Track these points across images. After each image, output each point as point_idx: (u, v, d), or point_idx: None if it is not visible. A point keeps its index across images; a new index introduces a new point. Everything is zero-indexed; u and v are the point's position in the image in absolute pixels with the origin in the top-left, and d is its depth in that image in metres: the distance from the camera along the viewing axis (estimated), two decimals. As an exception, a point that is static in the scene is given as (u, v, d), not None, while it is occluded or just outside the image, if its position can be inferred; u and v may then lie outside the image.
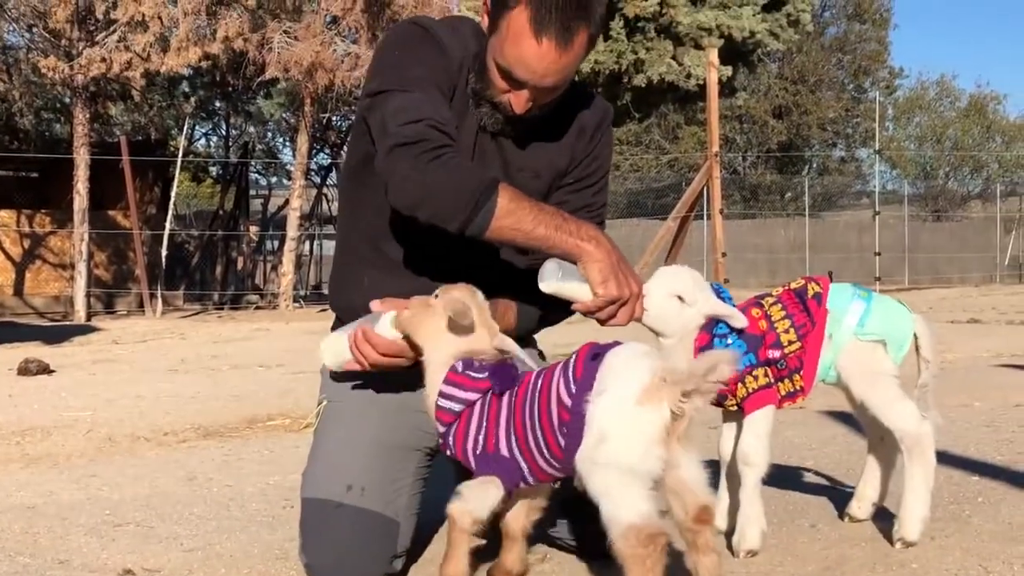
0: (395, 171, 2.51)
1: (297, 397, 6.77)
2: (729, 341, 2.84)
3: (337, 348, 2.70)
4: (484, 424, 2.45)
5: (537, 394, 2.36)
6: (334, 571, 2.71)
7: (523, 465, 2.40)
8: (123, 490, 4.24)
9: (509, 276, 2.84)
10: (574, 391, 2.27)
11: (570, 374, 2.30)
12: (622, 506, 2.14)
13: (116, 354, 10.94)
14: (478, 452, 2.45)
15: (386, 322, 2.60)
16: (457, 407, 2.48)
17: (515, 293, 2.84)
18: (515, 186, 2.63)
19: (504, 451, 2.41)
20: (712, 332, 2.85)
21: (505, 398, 2.44)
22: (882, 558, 2.81)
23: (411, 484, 2.82)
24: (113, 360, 10.21)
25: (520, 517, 2.58)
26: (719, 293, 2.88)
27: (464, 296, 2.52)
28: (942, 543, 2.90)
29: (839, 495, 3.52)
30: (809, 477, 3.97)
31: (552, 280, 2.55)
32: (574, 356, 2.33)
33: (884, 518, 3.09)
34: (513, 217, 2.46)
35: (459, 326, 2.49)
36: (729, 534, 2.98)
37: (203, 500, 4.00)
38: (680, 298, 2.81)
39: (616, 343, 2.32)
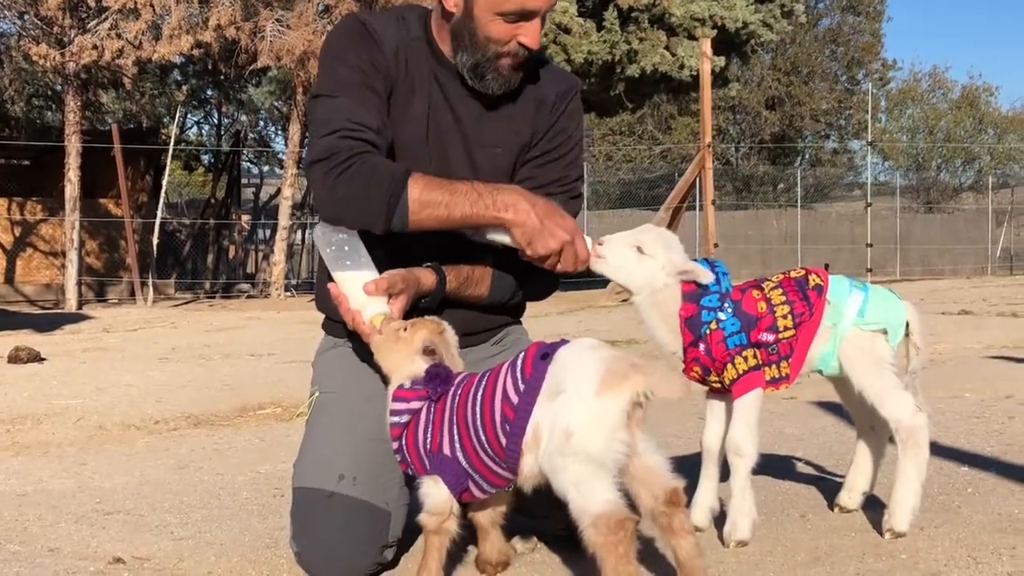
0: (314, 191, 2.70)
1: (288, 386, 6.77)
2: (721, 316, 2.80)
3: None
4: (430, 426, 2.49)
5: (481, 392, 2.39)
6: (325, 560, 2.72)
7: (465, 464, 2.42)
8: (113, 478, 4.24)
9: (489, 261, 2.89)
10: (522, 389, 2.29)
11: (518, 373, 2.32)
12: (590, 497, 2.17)
13: (107, 342, 10.91)
14: (427, 452, 2.48)
15: (368, 314, 2.65)
16: (404, 419, 2.54)
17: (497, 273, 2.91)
18: (479, 163, 2.78)
19: (447, 450, 2.44)
20: (699, 303, 2.81)
21: (449, 398, 2.47)
22: (872, 548, 2.82)
23: (402, 474, 2.82)
24: (104, 348, 10.19)
25: (487, 509, 2.60)
26: (714, 267, 2.86)
27: (434, 337, 2.57)
28: (931, 533, 2.91)
29: (829, 485, 3.52)
30: (799, 467, 3.98)
31: (494, 232, 2.63)
32: (522, 355, 2.35)
33: (874, 508, 3.10)
34: (428, 208, 2.58)
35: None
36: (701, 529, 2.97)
37: (193, 489, 4.00)
38: (639, 249, 2.81)
39: (563, 341, 2.35)
